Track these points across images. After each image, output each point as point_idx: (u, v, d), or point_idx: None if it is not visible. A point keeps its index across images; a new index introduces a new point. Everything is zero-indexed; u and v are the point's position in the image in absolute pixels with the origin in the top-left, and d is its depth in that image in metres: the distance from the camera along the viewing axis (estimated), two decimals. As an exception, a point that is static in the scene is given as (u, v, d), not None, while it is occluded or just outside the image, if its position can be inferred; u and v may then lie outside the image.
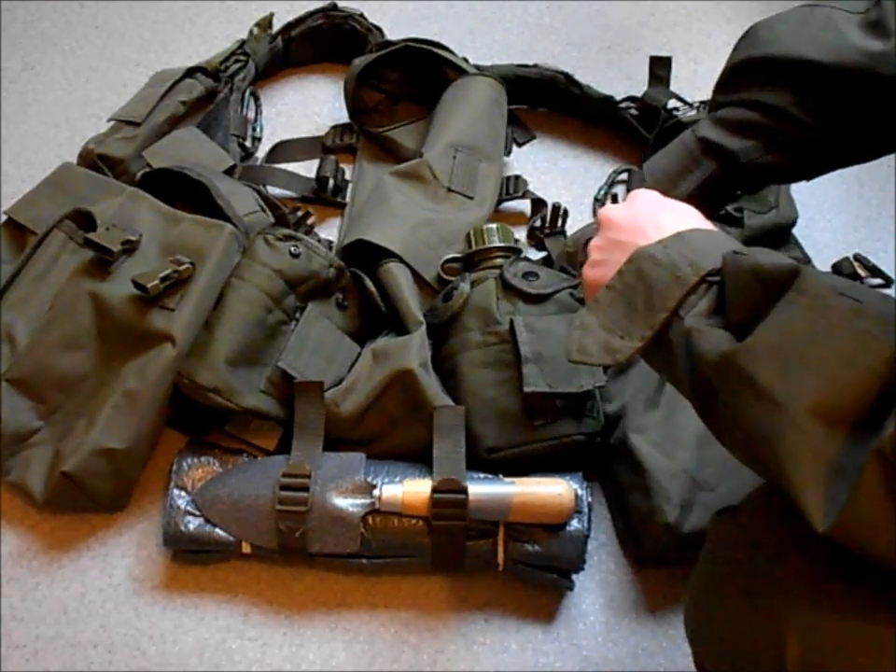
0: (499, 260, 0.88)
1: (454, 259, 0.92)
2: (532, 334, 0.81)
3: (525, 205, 1.06)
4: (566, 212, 1.02)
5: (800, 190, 1.02)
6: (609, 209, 0.68)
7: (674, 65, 1.11)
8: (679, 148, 0.84)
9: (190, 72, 1.04)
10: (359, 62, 1.06)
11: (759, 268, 0.51)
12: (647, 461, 0.79)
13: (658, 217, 0.62)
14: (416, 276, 0.89)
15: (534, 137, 1.12)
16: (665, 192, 0.69)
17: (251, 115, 1.09)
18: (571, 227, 1.03)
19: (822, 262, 1.01)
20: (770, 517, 0.53)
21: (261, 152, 1.09)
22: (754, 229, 0.96)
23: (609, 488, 0.86)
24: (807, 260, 0.99)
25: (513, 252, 0.90)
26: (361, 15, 1.14)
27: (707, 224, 0.62)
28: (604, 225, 0.67)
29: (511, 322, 0.81)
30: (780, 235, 1.00)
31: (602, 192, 1.07)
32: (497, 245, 0.90)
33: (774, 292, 0.49)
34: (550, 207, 1.01)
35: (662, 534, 0.77)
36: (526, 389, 0.78)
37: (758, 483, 0.56)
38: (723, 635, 0.55)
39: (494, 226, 0.92)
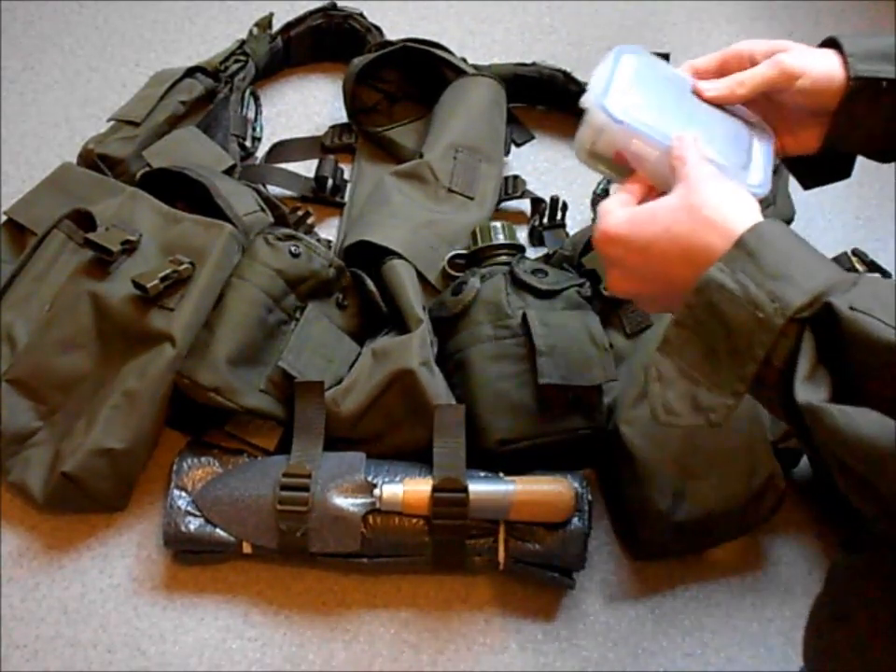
0: (504, 258, 0.89)
1: (459, 256, 0.92)
2: (545, 327, 0.81)
3: (524, 205, 1.06)
4: (565, 205, 1.02)
5: (799, 189, 1.02)
6: (611, 231, 0.59)
7: (674, 65, 1.10)
8: (890, 37, 0.68)
9: (190, 72, 1.04)
10: (358, 62, 1.06)
11: None
12: (638, 452, 0.80)
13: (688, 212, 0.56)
14: (418, 276, 0.89)
15: (533, 137, 1.12)
16: (850, 64, 0.63)
17: (251, 115, 1.09)
18: (571, 226, 1.03)
19: (822, 262, 1.01)
20: None
21: (261, 152, 1.09)
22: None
23: (603, 480, 0.87)
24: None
25: (518, 250, 0.91)
26: (361, 15, 1.15)
27: (750, 199, 0.56)
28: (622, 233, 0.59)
29: (524, 315, 0.82)
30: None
31: (601, 188, 1.07)
32: (503, 242, 0.91)
33: None
34: (549, 200, 1.02)
35: (655, 523, 0.78)
36: (541, 381, 0.78)
37: None
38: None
39: (499, 224, 0.92)
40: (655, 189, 0.63)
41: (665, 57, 1.09)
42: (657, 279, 0.58)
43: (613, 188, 0.70)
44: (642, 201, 0.62)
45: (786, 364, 0.49)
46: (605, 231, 0.59)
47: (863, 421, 0.46)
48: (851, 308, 0.47)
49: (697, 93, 0.68)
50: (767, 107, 0.69)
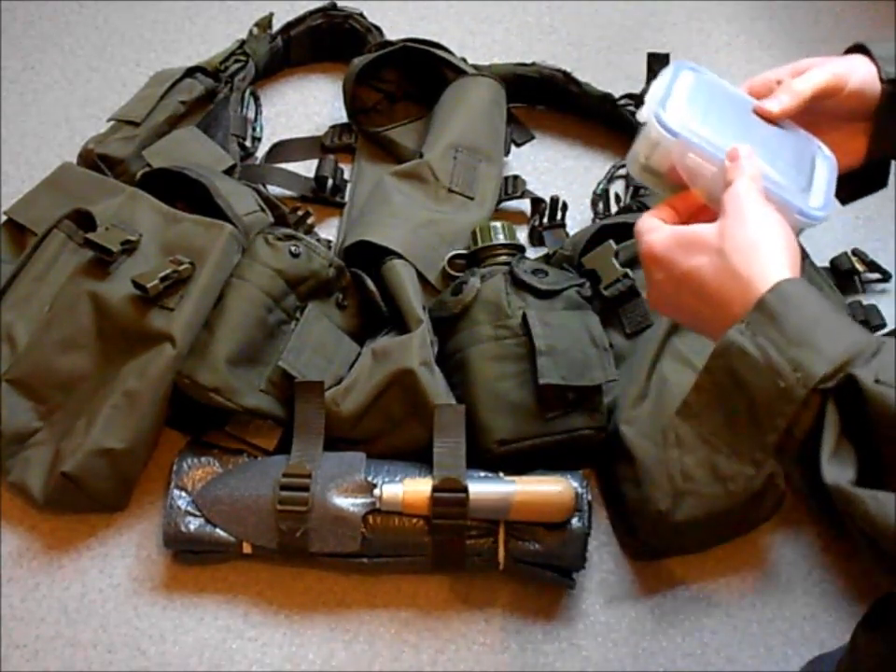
0: (504, 258, 0.89)
1: (459, 256, 0.92)
2: (546, 327, 0.81)
3: (524, 205, 1.06)
4: (564, 205, 1.02)
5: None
6: (653, 251, 0.58)
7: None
8: None
9: (190, 72, 1.04)
10: (358, 62, 1.06)
11: None
12: (637, 452, 0.79)
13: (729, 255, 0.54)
14: (418, 276, 0.89)
15: (533, 137, 1.12)
16: (881, 67, 0.63)
17: (251, 115, 1.09)
18: (571, 226, 1.03)
19: (822, 262, 1.01)
20: None
21: (261, 152, 1.09)
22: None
23: (603, 480, 0.87)
24: (805, 256, 0.99)
25: (518, 250, 0.92)
26: (361, 14, 1.15)
27: (785, 250, 0.54)
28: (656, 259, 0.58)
29: (525, 315, 0.82)
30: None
31: (601, 188, 1.07)
32: (503, 242, 0.91)
33: None
34: (548, 200, 1.02)
35: (655, 522, 0.78)
36: (541, 381, 0.78)
37: None
38: None
39: (499, 224, 0.92)
40: (704, 210, 0.62)
41: (666, 57, 1.09)
42: (687, 311, 0.57)
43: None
44: (687, 220, 0.61)
45: (808, 435, 0.48)
46: (650, 250, 0.58)
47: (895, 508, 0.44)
48: (877, 381, 0.46)
49: (759, 113, 0.65)
50: (811, 126, 0.67)
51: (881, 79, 0.65)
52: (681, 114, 0.63)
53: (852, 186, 0.71)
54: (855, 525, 0.46)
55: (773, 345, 0.49)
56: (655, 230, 0.59)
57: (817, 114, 0.65)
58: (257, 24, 1.12)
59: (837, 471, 0.46)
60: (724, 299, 0.53)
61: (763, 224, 0.55)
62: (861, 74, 0.65)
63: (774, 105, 0.64)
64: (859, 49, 0.67)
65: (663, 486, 0.78)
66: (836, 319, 0.51)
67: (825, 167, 0.65)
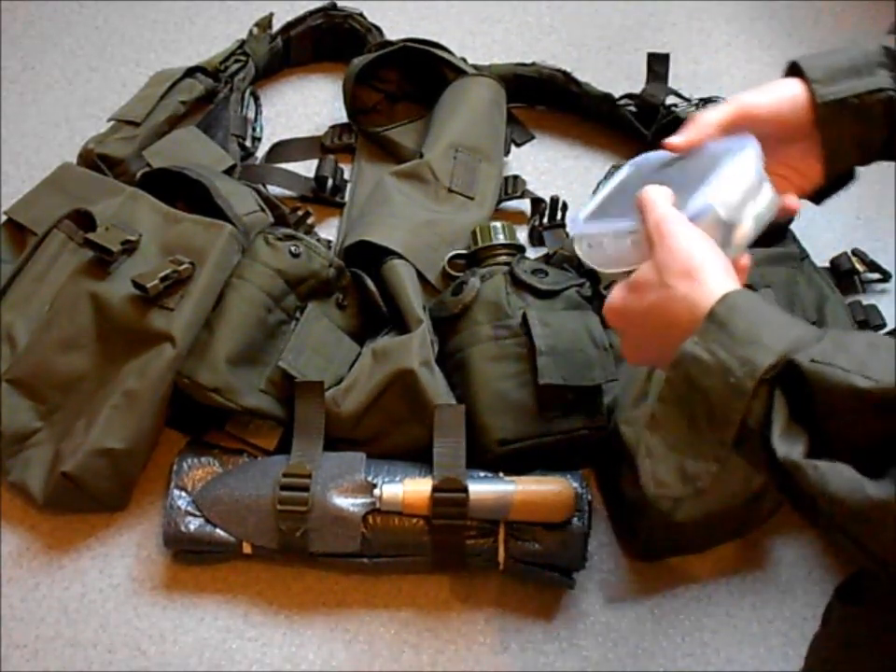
0: (504, 258, 0.89)
1: (459, 256, 0.92)
2: (546, 328, 0.81)
3: (524, 205, 1.06)
4: (564, 205, 1.02)
5: (800, 190, 1.02)
6: (612, 306, 0.62)
7: (674, 65, 1.11)
8: (851, 49, 0.69)
9: (190, 72, 1.04)
10: (358, 62, 1.06)
11: (862, 393, 0.46)
12: (637, 452, 0.79)
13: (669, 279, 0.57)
14: (419, 276, 0.89)
15: (533, 137, 1.12)
16: (815, 91, 0.64)
17: (251, 115, 1.09)
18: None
19: (822, 262, 1.01)
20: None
21: (261, 152, 1.09)
22: (752, 226, 0.96)
23: (603, 480, 0.87)
24: (804, 256, 0.99)
25: (518, 250, 0.92)
26: (361, 15, 1.14)
27: (719, 262, 0.57)
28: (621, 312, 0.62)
29: (525, 315, 0.82)
30: (777, 231, 1.00)
31: (600, 187, 1.07)
32: (503, 242, 0.91)
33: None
34: (548, 200, 1.02)
35: (655, 523, 0.78)
36: (541, 381, 0.79)
37: None
38: None
39: (499, 224, 0.92)
40: None
41: (666, 57, 1.10)
42: (655, 350, 0.60)
43: None
44: None
45: (761, 425, 0.51)
46: (609, 308, 0.63)
47: (834, 478, 0.47)
48: (812, 361, 0.49)
49: (668, 148, 0.68)
50: (763, 148, 0.68)
51: (816, 104, 0.66)
52: (586, 210, 0.69)
53: (824, 188, 0.73)
54: (811, 502, 0.48)
55: (722, 348, 0.52)
56: (614, 289, 0.63)
57: (761, 139, 0.67)
58: (257, 24, 1.12)
59: (787, 447, 0.48)
60: (681, 325, 0.55)
61: (689, 245, 0.58)
62: (777, 95, 0.67)
63: (678, 139, 0.67)
64: (795, 68, 0.69)
65: None
66: (783, 319, 0.54)
67: (736, 161, 0.64)
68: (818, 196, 0.74)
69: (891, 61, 0.67)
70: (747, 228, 0.63)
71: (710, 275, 0.56)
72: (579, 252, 0.68)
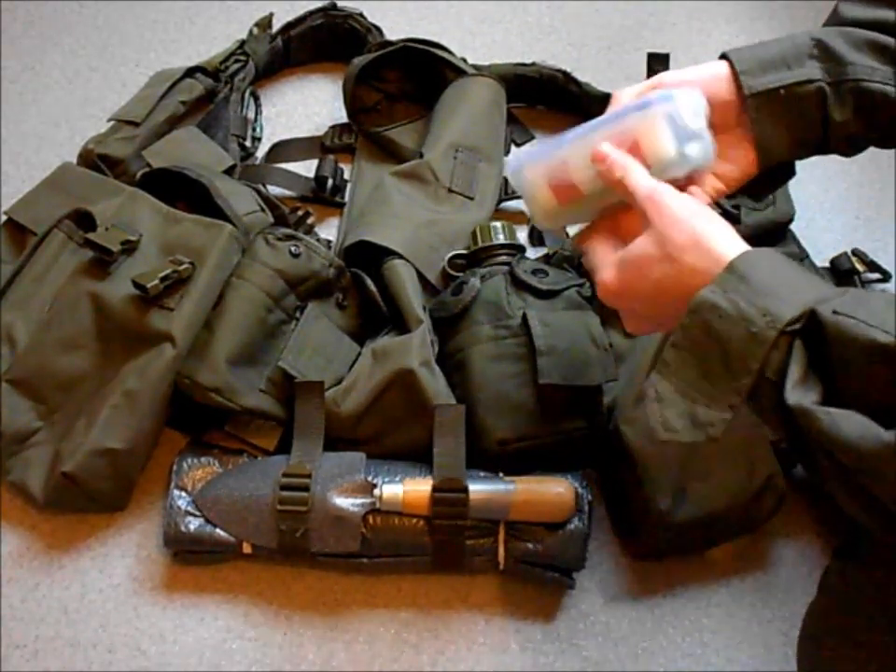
0: (504, 258, 0.89)
1: (459, 256, 0.92)
2: (546, 328, 0.81)
3: (524, 205, 1.06)
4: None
5: (800, 189, 1.02)
6: (604, 286, 0.61)
7: (674, 65, 1.11)
8: (782, 40, 0.68)
9: (190, 72, 1.04)
10: (358, 61, 1.06)
11: (881, 347, 0.46)
12: (638, 452, 0.79)
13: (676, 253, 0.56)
14: (418, 276, 0.89)
15: (533, 137, 1.12)
16: (743, 82, 0.63)
17: (251, 115, 1.09)
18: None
19: (822, 262, 1.01)
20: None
21: (261, 152, 1.09)
22: (751, 226, 0.96)
23: (604, 481, 0.87)
24: (805, 256, 0.99)
25: (518, 250, 0.91)
26: (361, 15, 1.14)
27: (724, 227, 0.57)
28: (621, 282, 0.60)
29: (525, 315, 0.82)
30: (778, 232, 1.00)
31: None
32: (503, 242, 0.91)
33: None
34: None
35: (655, 523, 0.78)
36: (541, 381, 0.78)
37: None
38: None
39: (499, 224, 0.92)
40: (619, 224, 0.64)
41: (666, 57, 1.10)
42: (668, 316, 0.58)
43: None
44: (618, 241, 0.63)
45: (779, 376, 0.50)
46: (605, 291, 0.61)
47: (846, 424, 0.47)
48: (834, 312, 0.49)
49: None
50: None
51: (744, 95, 0.65)
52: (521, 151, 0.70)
53: (763, 181, 0.72)
54: (819, 451, 0.48)
55: (742, 298, 0.51)
56: (600, 269, 0.62)
57: None
58: (257, 24, 1.12)
59: (800, 394, 0.49)
60: (695, 288, 0.54)
61: (689, 214, 0.57)
62: (699, 74, 0.67)
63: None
64: (724, 60, 0.68)
65: (663, 486, 0.78)
66: (804, 275, 0.54)
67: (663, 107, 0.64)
68: (755, 189, 0.72)
69: (822, 52, 0.66)
70: (700, 145, 0.63)
71: (718, 242, 0.55)
72: (527, 194, 0.70)
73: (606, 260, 0.62)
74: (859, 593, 0.55)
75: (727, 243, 0.56)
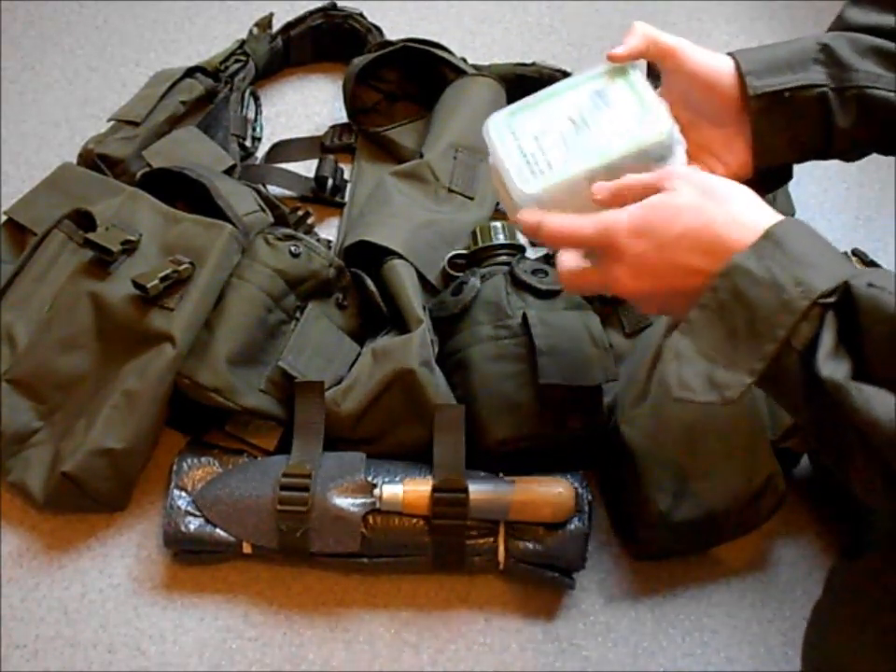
0: (504, 258, 0.89)
1: (459, 256, 0.92)
2: (546, 327, 0.81)
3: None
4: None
5: (800, 189, 1.03)
6: (618, 221, 0.58)
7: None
8: (791, 42, 0.68)
9: (190, 72, 1.04)
10: (358, 61, 1.06)
11: None
12: (638, 452, 0.80)
13: (709, 218, 0.55)
14: (419, 276, 0.89)
15: (533, 137, 1.12)
16: (748, 82, 0.63)
17: (251, 115, 1.09)
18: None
19: (822, 262, 1.01)
20: None
21: (261, 152, 1.09)
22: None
23: (604, 481, 0.87)
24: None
25: (518, 250, 0.91)
26: (361, 14, 1.14)
27: (763, 204, 0.56)
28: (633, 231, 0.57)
29: (525, 315, 0.82)
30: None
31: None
32: (503, 242, 0.91)
33: None
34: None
35: (655, 523, 0.78)
36: (542, 381, 0.78)
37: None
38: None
39: (499, 224, 0.92)
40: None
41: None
42: (672, 274, 0.57)
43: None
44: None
45: (806, 347, 0.50)
46: (634, 224, 0.58)
47: (879, 402, 0.46)
48: (869, 285, 0.48)
49: (611, 58, 0.67)
50: (690, 134, 0.67)
51: (747, 95, 0.65)
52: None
53: (759, 182, 0.71)
54: (849, 428, 0.47)
55: (778, 265, 0.51)
56: (624, 211, 0.59)
57: (690, 112, 0.67)
58: (257, 24, 1.12)
59: (832, 367, 0.48)
60: (729, 241, 0.54)
61: (723, 180, 0.58)
62: (701, 58, 0.66)
63: (620, 49, 0.67)
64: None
65: (663, 486, 0.78)
66: (838, 252, 0.54)
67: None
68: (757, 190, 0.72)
69: (827, 57, 0.66)
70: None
71: (755, 204, 0.55)
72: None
73: (630, 208, 0.59)
74: (865, 590, 0.54)
75: (768, 211, 0.55)
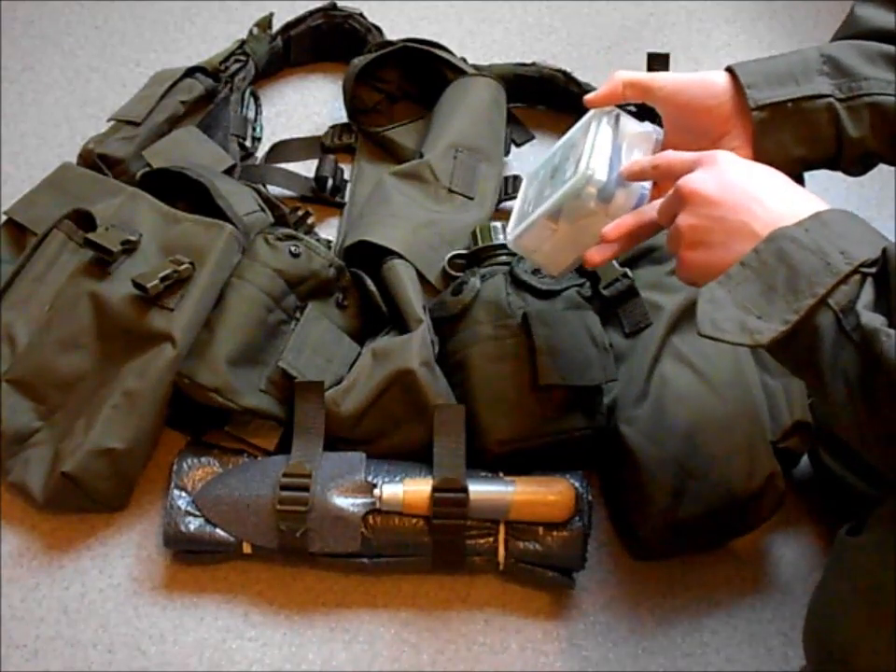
0: (504, 258, 0.89)
1: (459, 256, 0.92)
2: (546, 327, 0.81)
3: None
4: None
5: (800, 190, 1.02)
6: (692, 180, 0.59)
7: (674, 65, 1.10)
8: (791, 54, 0.68)
9: (190, 72, 1.04)
10: (358, 61, 1.06)
11: None
12: (637, 451, 0.80)
13: (762, 192, 0.57)
14: (419, 276, 0.89)
15: (533, 137, 1.12)
16: (748, 94, 0.64)
17: (251, 115, 1.09)
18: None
19: (822, 262, 1.01)
20: None
21: (261, 152, 1.09)
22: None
23: (603, 480, 0.87)
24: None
25: (518, 250, 0.91)
26: (361, 15, 1.15)
27: (820, 200, 0.57)
28: (692, 200, 0.59)
29: (525, 315, 0.82)
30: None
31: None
32: (503, 242, 0.90)
33: None
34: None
35: (655, 522, 0.78)
36: (541, 381, 0.79)
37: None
38: (848, 652, 0.54)
39: (499, 224, 0.92)
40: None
41: (666, 57, 1.09)
42: (730, 232, 0.57)
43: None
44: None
45: (841, 308, 0.51)
46: (683, 184, 0.60)
47: None
48: None
49: (586, 103, 0.73)
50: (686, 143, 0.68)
51: (748, 107, 0.66)
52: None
53: None
54: (878, 368, 0.48)
55: (824, 238, 0.53)
56: (699, 156, 0.61)
57: (691, 135, 0.68)
58: (257, 24, 1.12)
59: (870, 315, 0.49)
60: (792, 211, 0.55)
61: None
62: (689, 79, 0.68)
63: (592, 94, 0.72)
64: (729, 74, 0.68)
65: (663, 486, 0.78)
66: (884, 236, 0.55)
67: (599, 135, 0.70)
68: None
69: (832, 68, 0.66)
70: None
71: (801, 190, 0.59)
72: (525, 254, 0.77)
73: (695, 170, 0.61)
74: (869, 566, 0.55)
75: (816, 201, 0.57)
